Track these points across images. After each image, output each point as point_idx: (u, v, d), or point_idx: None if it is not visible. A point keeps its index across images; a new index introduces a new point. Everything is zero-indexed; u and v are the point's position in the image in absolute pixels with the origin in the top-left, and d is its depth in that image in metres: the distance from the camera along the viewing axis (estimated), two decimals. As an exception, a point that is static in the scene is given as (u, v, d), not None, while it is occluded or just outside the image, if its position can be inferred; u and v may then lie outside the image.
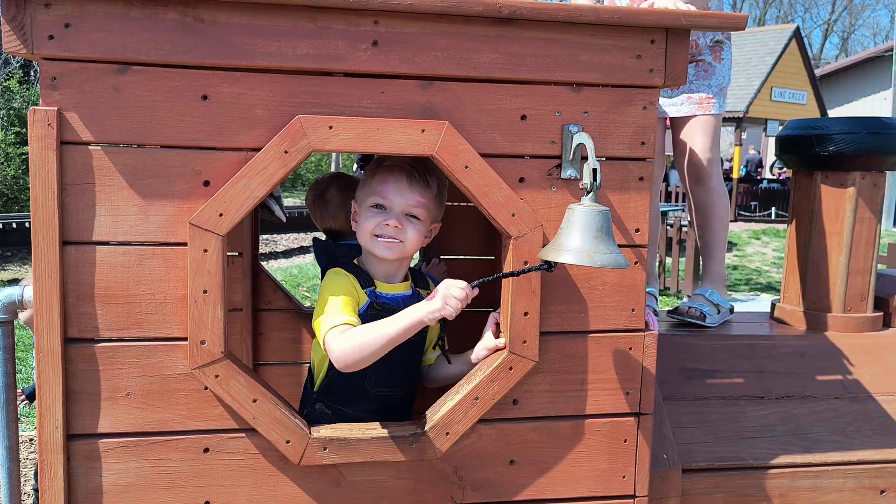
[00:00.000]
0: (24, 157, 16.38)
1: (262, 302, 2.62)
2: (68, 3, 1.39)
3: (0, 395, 1.55)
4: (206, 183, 1.48)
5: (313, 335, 1.70)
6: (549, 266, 1.54)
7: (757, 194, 20.33)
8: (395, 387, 1.75)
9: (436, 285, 2.36)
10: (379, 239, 1.68)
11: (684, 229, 10.32)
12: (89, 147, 1.44)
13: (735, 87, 22.99)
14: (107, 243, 1.46)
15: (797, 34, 23.69)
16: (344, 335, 1.55)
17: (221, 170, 1.48)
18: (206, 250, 1.47)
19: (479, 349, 1.67)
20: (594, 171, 1.50)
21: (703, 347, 2.18)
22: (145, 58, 1.43)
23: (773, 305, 2.49)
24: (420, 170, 1.70)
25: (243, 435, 1.56)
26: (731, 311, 2.48)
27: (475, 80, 1.56)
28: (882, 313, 2.35)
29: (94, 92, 1.42)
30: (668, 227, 10.37)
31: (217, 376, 1.50)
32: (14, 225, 12.71)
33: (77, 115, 1.42)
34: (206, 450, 1.54)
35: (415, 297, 1.74)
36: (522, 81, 1.58)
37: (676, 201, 18.78)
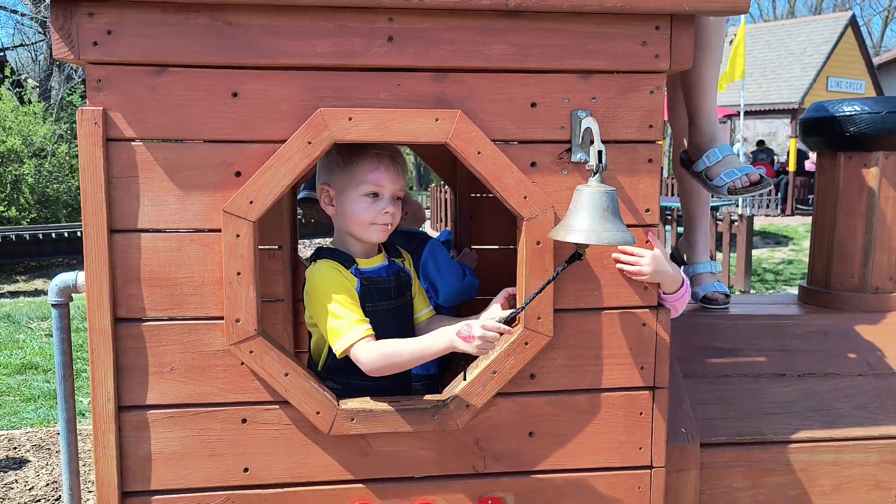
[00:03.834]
0: (87, 168, 17.02)
1: (302, 292, 2.74)
2: (110, 12, 1.53)
3: (58, 371, 1.71)
4: (238, 173, 1.60)
5: None
6: (578, 257, 1.62)
7: (814, 188, 19.83)
8: None
9: (467, 273, 2.45)
10: (374, 226, 1.76)
11: (735, 223, 10.18)
12: (132, 143, 1.58)
13: (790, 78, 22.51)
14: (150, 231, 1.60)
15: (853, 22, 23.06)
16: (373, 347, 1.65)
17: (251, 161, 1.60)
18: (238, 235, 1.59)
19: (484, 319, 1.75)
20: (599, 153, 1.57)
21: (725, 327, 2.22)
22: (179, 60, 1.56)
23: (800, 287, 2.51)
24: (398, 154, 1.80)
25: (277, 407, 1.68)
26: None
27: (486, 70, 1.65)
28: (910, 293, 2.35)
29: (135, 92, 1.56)
30: (718, 222, 10.23)
31: (252, 352, 1.63)
32: (79, 233, 13.25)
33: (120, 113, 1.56)
34: (244, 420, 1.67)
35: (392, 267, 1.86)
36: (531, 71, 1.66)
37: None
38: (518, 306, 1.73)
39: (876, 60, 25.72)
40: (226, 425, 1.67)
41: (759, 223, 15.70)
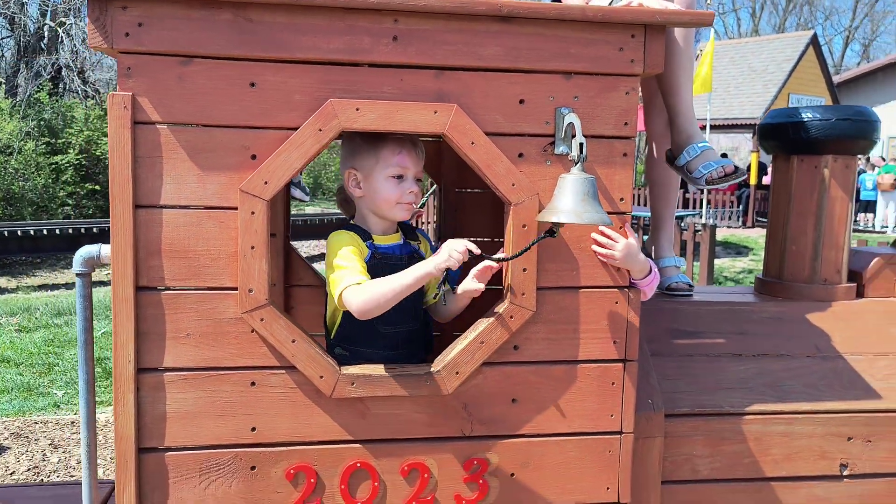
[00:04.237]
0: (53, 166, 16.90)
1: (294, 278, 2.89)
2: (141, 6, 1.68)
3: (80, 336, 1.84)
4: (254, 156, 1.76)
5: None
6: (552, 233, 1.80)
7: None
8: (400, 325, 2.00)
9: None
10: (400, 204, 1.95)
11: (699, 233, 10.50)
12: (157, 126, 1.72)
13: (752, 94, 23.13)
14: (171, 207, 1.75)
15: (814, 41, 23.78)
16: (361, 289, 1.81)
17: (266, 145, 1.76)
18: (253, 212, 1.75)
19: (463, 285, 1.94)
20: (581, 145, 1.76)
21: (689, 312, 2.42)
22: (204, 51, 1.72)
23: (756, 279, 2.73)
24: (417, 140, 1.97)
25: (284, 371, 1.83)
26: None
27: (480, 69, 1.83)
28: (855, 284, 2.58)
29: (162, 80, 1.71)
30: (683, 231, 10.55)
31: (262, 319, 1.78)
32: (45, 231, 13.15)
33: (147, 99, 1.71)
34: (253, 383, 1.82)
35: (406, 246, 2.03)
36: (521, 70, 1.85)
37: (693, 207, 18.92)
38: (503, 283, 1.91)
39: (836, 79, 26.55)
40: (236, 387, 1.82)
41: (721, 234, 16.13)
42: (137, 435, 1.78)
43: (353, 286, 1.83)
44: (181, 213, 1.76)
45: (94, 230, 13.34)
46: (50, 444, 4.61)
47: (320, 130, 1.75)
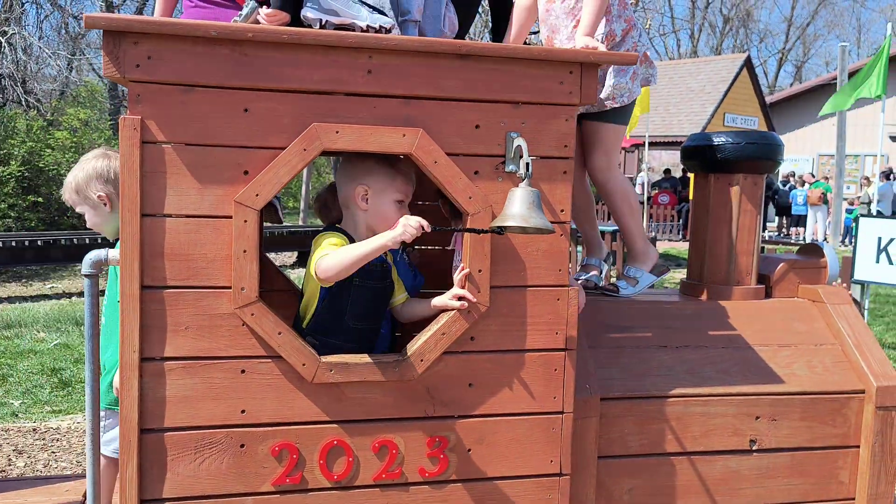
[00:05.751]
0: (-6, 177, 16.56)
1: (266, 284, 3.14)
2: (150, 42, 1.94)
3: (87, 330, 2.07)
4: (246, 172, 2.03)
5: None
6: (500, 230, 2.11)
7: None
8: (366, 322, 2.28)
9: (412, 267, 2.91)
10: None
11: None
12: (163, 145, 1.98)
13: (689, 113, 24.08)
14: (173, 216, 2.00)
15: (748, 63, 24.92)
16: (329, 256, 2.09)
17: (257, 163, 2.03)
18: (245, 221, 2.01)
19: (445, 297, 2.22)
20: (527, 164, 2.08)
21: (622, 310, 2.76)
22: (204, 81, 1.98)
23: (681, 282, 3.09)
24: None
25: (270, 360, 2.09)
26: (665, 271, 3.08)
27: (442, 98, 2.13)
28: (764, 286, 2.96)
29: (167, 106, 1.97)
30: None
31: (253, 314, 2.04)
32: (-11, 243, 12.91)
33: (154, 122, 1.97)
34: (243, 371, 2.07)
35: (380, 258, 2.26)
36: (477, 100, 2.16)
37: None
38: (462, 273, 2.19)
39: (769, 99, 27.79)
40: (228, 375, 2.07)
41: (662, 247, 16.79)
42: (140, 417, 2.02)
43: (324, 257, 2.10)
44: (182, 221, 2.01)
45: (39, 243, 13.15)
46: (14, 450, 4.71)
47: (305, 150, 2.03)
